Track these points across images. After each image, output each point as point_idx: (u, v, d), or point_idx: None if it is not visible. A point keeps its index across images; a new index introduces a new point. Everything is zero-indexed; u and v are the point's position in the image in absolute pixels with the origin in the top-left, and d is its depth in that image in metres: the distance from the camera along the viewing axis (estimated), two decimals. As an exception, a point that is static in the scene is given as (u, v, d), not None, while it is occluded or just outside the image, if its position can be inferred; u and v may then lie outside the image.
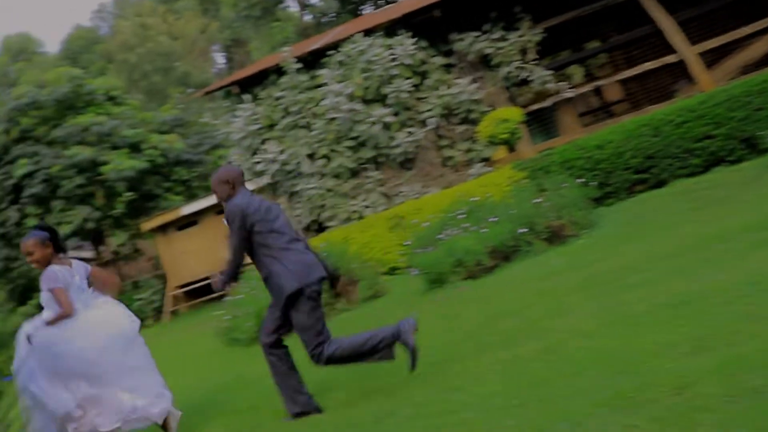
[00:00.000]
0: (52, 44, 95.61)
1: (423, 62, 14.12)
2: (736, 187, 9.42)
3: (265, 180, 14.34)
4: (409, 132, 13.58)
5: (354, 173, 13.85)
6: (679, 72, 14.00)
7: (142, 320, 17.81)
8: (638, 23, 14.37)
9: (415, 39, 13.89)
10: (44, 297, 5.40)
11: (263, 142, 14.52)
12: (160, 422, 5.45)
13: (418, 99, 14.01)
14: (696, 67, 13.04)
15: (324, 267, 5.42)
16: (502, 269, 9.08)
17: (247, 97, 14.94)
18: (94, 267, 5.85)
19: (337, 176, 13.85)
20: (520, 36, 13.90)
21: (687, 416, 3.14)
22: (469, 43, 13.96)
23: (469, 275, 9.05)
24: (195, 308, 20.44)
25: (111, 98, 25.48)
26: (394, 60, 13.70)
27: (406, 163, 13.80)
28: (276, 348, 5.42)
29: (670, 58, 13.32)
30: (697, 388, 3.38)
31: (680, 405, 3.27)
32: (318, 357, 5.21)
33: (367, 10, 30.62)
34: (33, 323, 5.43)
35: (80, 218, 21.97)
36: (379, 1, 30.00)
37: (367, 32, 14.20)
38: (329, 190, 13.82)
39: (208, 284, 20.08)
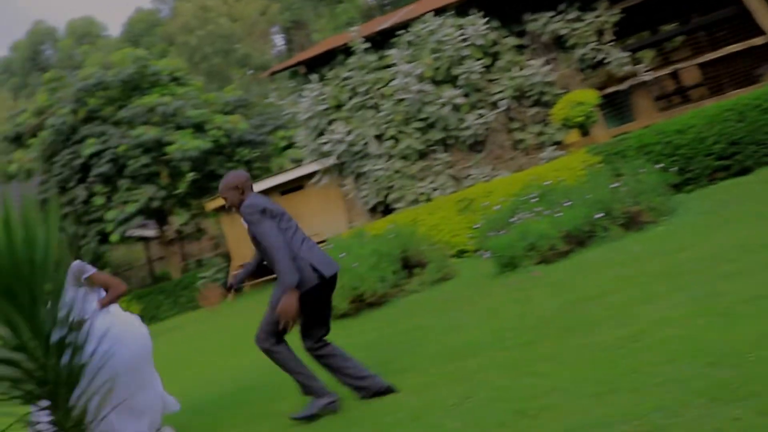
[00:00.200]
0: (114, 27, 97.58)
1: (494, 43, 13.95)
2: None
3: (331, 161, 14.33)
4: (480, 114, 13.44)
5: (422, 155, 13.77)
6: (763, 55, 13.55)
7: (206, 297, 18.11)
8: (721, 4, 13.95)
9: (486, 19, 13.73)
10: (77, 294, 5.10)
11: (330, 122, 14.53)
12: None
13: (489, 80, 13.84)
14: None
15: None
16: (577, 254, 8.88)
17: (314, 77, 14.92)
18: (97, 272, 5.48)
19: (405, 158, 13.78)
20: (597, 16, 13.61)
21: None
22: (543, 23, 13.74)
23: (542, 260, 8.89)
24: (257, 287, 20.59)
25: (175, 79, 25.81)
26: (465, 40, 13.56)
27: (476, 145, 13.66)
28: (318, 350, 5.38)
29: (757, 41, 12.89)
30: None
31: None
32: (262, 341, 5.28)
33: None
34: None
35: (146, 197, 22.30)
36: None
37: (438, 11, 14.07)
38: (397, 172, 13.76)
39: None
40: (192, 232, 26.92)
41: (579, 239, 9.09)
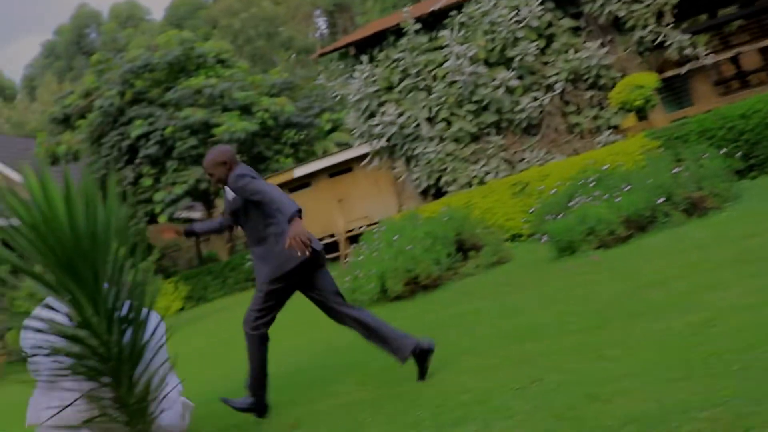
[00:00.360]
0: (157, 11, 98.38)
1: (550, 24, 13.79)
2: None
3: (381, 143, 14.31)
4: (534, 97, 13.31)
5: (475, 138, 13.69)
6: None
7: (255, 279, 18.27)
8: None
9: (541, 0, 13.54)
10: None
11: (381, 104, 14.48)
12: None
13: (544, 63, 13.71)
14: None
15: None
16: (638, 240, 8.78)
17: (364, 58, 14.89)
18: None
19: (457, 140, 13.72)
20: (656, -2, 13.38)
21: None
22: (600, 4, 13.53)
23: (601, 244, 8.80)
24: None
25: (221, 61, 25.95)
26: (519, 22, 13.40)
27: (530, 128, 13.54)
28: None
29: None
30: None
31: None
32: (249, 323, 5.33)
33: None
34: None
35: (193, 179, 22.48)
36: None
37: (491, -7, 13.94)
38: (449, 155, 13.70)
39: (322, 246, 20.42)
40: (239, 214, 27.07)
41: (639, 224, 8.98)
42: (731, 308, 4.88)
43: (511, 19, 13.37)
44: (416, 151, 14.04)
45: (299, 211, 4.72)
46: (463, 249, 10.35)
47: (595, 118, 13.42)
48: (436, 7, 14.87)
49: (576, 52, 13.55)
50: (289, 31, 53.26)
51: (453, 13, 14.21)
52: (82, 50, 66.29)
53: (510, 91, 13.34)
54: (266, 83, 26.03)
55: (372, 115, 14.52)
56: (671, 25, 13.46)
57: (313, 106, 26.95)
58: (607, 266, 7.82)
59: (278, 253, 5.12)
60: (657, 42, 13.51)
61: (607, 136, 12.97)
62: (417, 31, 14.32)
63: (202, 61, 24.99)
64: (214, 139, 22.73)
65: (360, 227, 18.34)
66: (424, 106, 13.94)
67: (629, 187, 9.43)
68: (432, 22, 14.60)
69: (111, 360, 4.18)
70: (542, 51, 13.66)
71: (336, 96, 16.02)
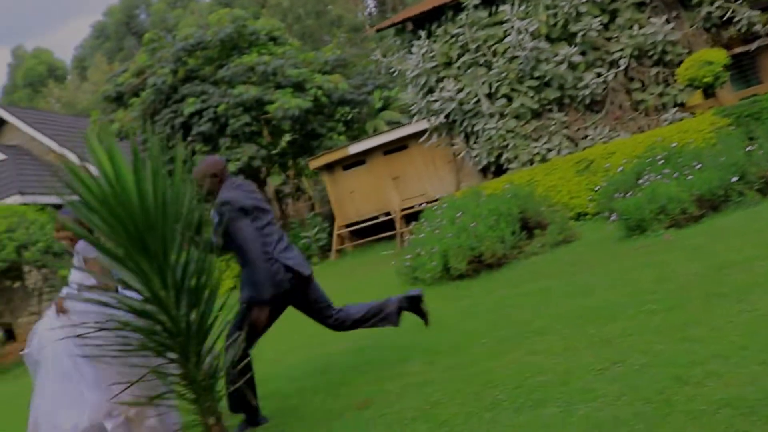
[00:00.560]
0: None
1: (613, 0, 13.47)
2: None
3: (440, 119, 14.18)
4: (598, 73, 13.05)
5: (537, 114, 13.49)
6: None
7: (308, 258, 18.31)
8: None
9: (605, -26, 13.26)
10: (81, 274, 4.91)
11: (439, 80, 14.32)
12: None
13: (608, 39, 13.41)
14: None
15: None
16: (711, 219, 8.57)
17: (421, 34, 14.74)
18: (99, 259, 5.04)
19: (518, 117, 13.53)
20: (725, -29, 12.99)
21: None
22: (666, -21, 13.20)
23: (673, 223, 8.60)
24: (359, 248, 20.69)
25: (273, 39, 25.92)
26: (581, -4, 13.15)
27: (593, 105, 13.30)
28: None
29: None
30: None
31: None
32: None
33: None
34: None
35: (246, 156, 22.57)
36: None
37: (553, -34, 13.66)
38: (510, 131, 13.51)
39: (375, 224, 20.47)
40: (291, 192, 27.24)
41: (712, 203, 8.76)
42: (823, 290, 4.72)
43: (573, -7, 13.13)
44: (476, 128, 13.88)
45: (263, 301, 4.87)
46: (528, 227, 10.21)
47: (661, 95, 13.12)
48: (495, -19, 14.66)
49: (640, 27, 13.23)
50: (337, 9, 53.13)
51: (513, -13, 13.98)
52: (132, 31, 67.06)
53: (573, 67, 13.09)
54: (319, 60, 25.98)
55: (430, 91, 14.38)
56: (740, 1, 13.07)
57: (366, 84, 26.87)
58: (680, 246, 7.63)
59: (258, 280, 4.98)
60: (725, 18, 13.14)
61: (673, 113, 12.69)
62: (476, 6, 14.10)
63: (255, 39, 24.99)
64: (267, 117, 22.78)
65: (418, 205, 18.24)
66: (483, 82, 13.75)
67: (700, 165, 9.20)
68: (492, -4, 14.39)
69: (179, 335, 4.16)
70: (605, 26, 13.37)
71: (393, 72, 15.86)
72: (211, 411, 4.13)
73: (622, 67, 13.08)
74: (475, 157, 13.97)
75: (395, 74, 16.24)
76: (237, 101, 22.55)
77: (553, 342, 5.31)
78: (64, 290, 4.93)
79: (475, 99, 13.81)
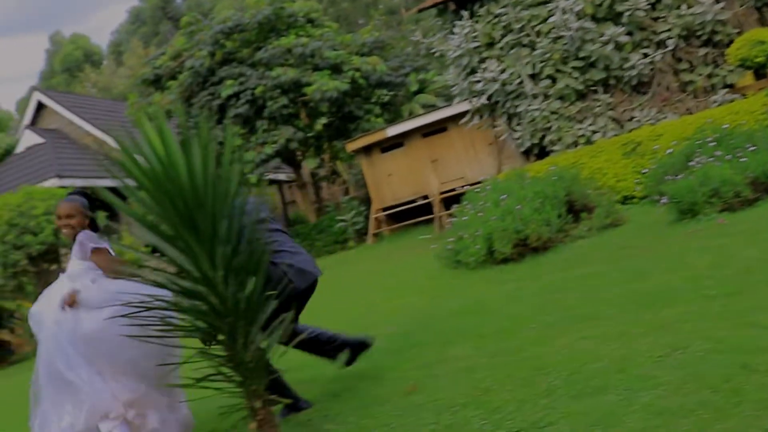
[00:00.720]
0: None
1: (661, -22, 13.14)
2: None
3: (482, 100, 13.98)
4: (645, 53, 12.75)
5: (581, 95, 13.23)
6: None
7: (345, 241, 18.41)
8: None
9: (652, -47, 12.93)
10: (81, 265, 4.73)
11: (482, 60, 14.11)
12: None
13: (655, 19, 13.09)
14: None
15: None
16: (766, 203, 8.32)
17: (464, 14, 14.52)
18: (104, 250, 4.81)
19: (562, 98, 13.28)
20: (778, -52, 12.60)
21: None
22: (716, -42, 12.83)
23: (726, 207, 8.35)
24: (396, 232, 20.58)
25: (310, 21, 25.84)
26: (628, -24, 12.83)
27: (640, 86, 13.00)
28: None
29: None
30: None
31: None
32: None
33: None
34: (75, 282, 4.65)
35: (283, 138, 22.54)
36: None
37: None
38: (554, 113, 13.27)
39: (413, 208, 20.34)
40: (327, 175, 27.20)
41: (767, 186, 8.50)
42: None
43: (620, -28, 12.82)
44: (519, 109, 13.65)
45: None
46: (574, 210, 10.01)
47: (710, 76, 12.80)
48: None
49: (689, 7, 12.88)
50: (373, -8, 52.91)
51: (558, -34, 13.69)
52: (168, 15, 67.39)
53: (619, 47, 12.79)
54: (356, 43, 25.84)
55: (472, 72, 14.16)
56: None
57: (404, 66, 26.69)
58: (735, 230, 7.40)
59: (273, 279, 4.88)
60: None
61: (723, 95, 12.37)
62: (520, -15, 13.87)
63: (293, 21, 24.92)
64: (304, 99, 22.71)
65: (461, 187, 18.05)
66: (527, 63, 13.50)
67: (754, 147, 8.91)
68: (536, -25, 14.11)
69: (228, 316, 4.07)
70: (653, 6, 13.03)
71: (434, 53, 15.65)
72: (258, 394, 4.03)
73: (670, 48, 12.75)
74: (518, 139, 13.75)
75: (436, 55, 16.02)
76: (275, 83, 22.52)
77: (606, 327, 5.14)
78: (64, 279, 4.70)
79: (519, 80, 13.57)
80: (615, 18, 12.99)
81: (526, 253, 9.21)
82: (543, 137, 13.49)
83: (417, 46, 17.29)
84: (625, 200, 11.13)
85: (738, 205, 8.34)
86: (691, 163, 9.14)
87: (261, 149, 22.69)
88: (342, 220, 21.74)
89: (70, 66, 64.12)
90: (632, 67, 12.73)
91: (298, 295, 5.11)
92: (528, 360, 4.89)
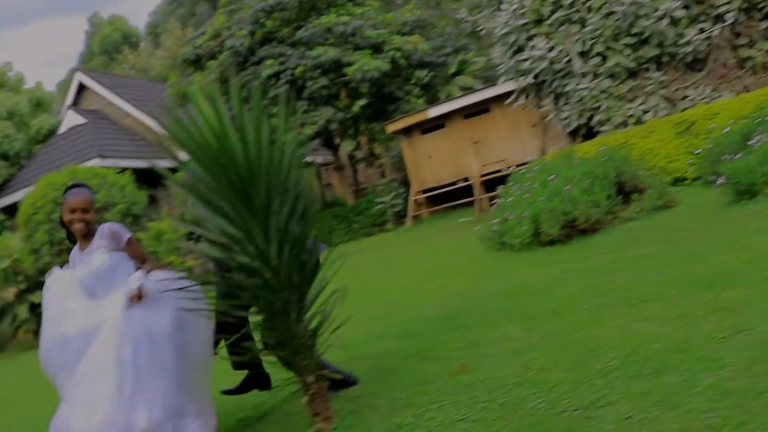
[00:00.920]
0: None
1: (722, -51, 12.81)
2: None
3: (528, 79, 13.79)
4: (701, 29, 12.45)
5: (633, 74, 12.98)
6: None
7: (383, 223, 18.36)
8: None
9: None
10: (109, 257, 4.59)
11: (529, 38, 13.90)
12: None
13: (714, -9, 12.79)
14: None
15: None
16: (829, 183, 8.11)
17: (512, -10, 14.33)
18: (134, 240, 4.67)
19: (612, 76, 13.04)
20: None
21: None
22: (779, -74, 12.48)
23: (787, 188, 8.15)
24: (435, 214, 20.49)
25: (351, -1, 25.69)
26: (686, -54, 12.54)
27: (695, 63, 12.72)
28: None
29: None
30: None
31: None
32: None
33: None
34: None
35: (323, 119, 22.49)
36: None
37: None
38: (603, 92, 13.04)
39: (453, 190, 20.21)
40: (365, 156, 27.12)
41: (831, 167, 8.27)
42: None
43: (676, -57, 12.52)
44: (567, 88, 13.43)
45: None
46: (624, 191, 9.84)
47: (771, 51, 12.49)
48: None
49: (751, -22, 12.57)
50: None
51: (609, -61, 13.42)
52: (205, -4, 67.55)
53: (674, 22, 12.51)
54: (397, 22, 25.66)
55: (519, 50, 13.96)
56: None
57: (445, 45, 26.47)
58: (796, 212, 7.23)
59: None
60: None
61: (783, 71, 12.10)
62: (570, -40, 13.61)
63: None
64: (345, 79, 22.61)
65: (506, 168, 17.85)
66: (577, 40, 13.26)
67: (817, 126, 8.68)
68: (587, -51, 13.85)
69: (282, 291, 4.05)
70: (712, -22, 12.75)
71: (480, 30, 15.47)
72: (310, 369, 4.00)
73: (729, 22, 12.43)
74: (564, 119, 13.55)
75: (482, 33, 15.83)
76: (315, 63, 22.45)
77: (663, 309, 5.03)
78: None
79: (567, 58, 13.34)
80: (671, -9, 12.73)
81: (574, 234, 9.09)
82: (591, 117, 13.27)
83: (459, 25, 17.05)
84: (676, 182, 10.94)
85: (798, 186, 8.13)
86: (749, 143, 8.92)
87: (301, 130, 22.66)
88: (381, 203, 21.68)
89: (108, 48, 64.71)
90: (687, 43, 12.45)
91: None
92: (581, 341, 4.80)
